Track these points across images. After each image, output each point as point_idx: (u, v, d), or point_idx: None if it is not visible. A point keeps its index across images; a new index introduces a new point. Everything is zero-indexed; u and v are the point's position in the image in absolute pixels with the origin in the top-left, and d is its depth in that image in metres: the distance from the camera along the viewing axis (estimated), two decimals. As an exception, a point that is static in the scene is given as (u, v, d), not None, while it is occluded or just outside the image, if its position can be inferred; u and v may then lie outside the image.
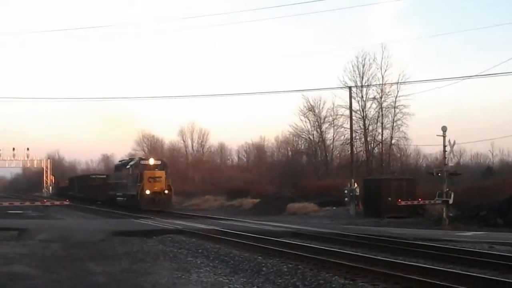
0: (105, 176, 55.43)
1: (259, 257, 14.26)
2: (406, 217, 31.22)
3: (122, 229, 21.91)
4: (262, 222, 28.27)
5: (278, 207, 39.92)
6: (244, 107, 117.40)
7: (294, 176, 53.74)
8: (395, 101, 49.38)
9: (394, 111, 49.67)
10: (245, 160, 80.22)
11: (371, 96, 50.64)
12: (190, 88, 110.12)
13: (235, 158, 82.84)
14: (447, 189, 27.43)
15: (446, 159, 28.08)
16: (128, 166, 42.13)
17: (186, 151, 79.77)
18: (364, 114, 50.68)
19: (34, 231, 20.47)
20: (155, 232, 21.23)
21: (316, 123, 56.89)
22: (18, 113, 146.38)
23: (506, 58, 73.83)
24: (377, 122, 50.64)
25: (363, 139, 51.02)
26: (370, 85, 49.65)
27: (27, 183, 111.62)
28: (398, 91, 48.88)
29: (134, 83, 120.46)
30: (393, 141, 50.59)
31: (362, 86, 49.96)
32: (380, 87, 49.57)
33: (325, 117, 56.25)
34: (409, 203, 31.81)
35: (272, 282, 11.34)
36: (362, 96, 50.56)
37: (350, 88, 43.35)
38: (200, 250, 16.18)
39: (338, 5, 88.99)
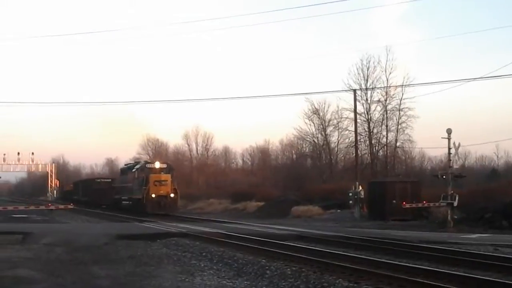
0: (110, 180, 55.47)
1: (263, 260, 14.24)
2: (410, 220, 31.18)
3: (126, 232, 21.94)
4: (266, 225, 28.25)
5: (283, 210, 39.88)
6: (249, 111, 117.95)
7: (298, 179, 53.70)
8: (400, 104, 49.48)
9: (399, 113, 49.75)
10: (249, 163, 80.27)
11: (376, 98, 50.73)
12: (195, 92, 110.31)
13: (240, 162, 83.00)
14: (452, 192, 27.37)
15: (451, 161, 28.01)
16: (133, 170, 42.11)
17: (190, 154, 79.92)
18: (369, 117, 50.74)
19: (38, 235, 20.52)
20: (159, 235, 21.23)
21: (321, 126, 56.96)
22: (23, 118, 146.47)
23: (510, 60, 73.71)
24: (381, 124, 50.68)
25: (367, 141, 51.01)
26: (375, 87, 49.76)
27: (31, 187, 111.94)
28: (402, 94, 48.99)
29: (139, 87, 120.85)
30: (397, 144, 50.65)
31: (366, 88, 50.01)
32: (385, 89, 49.68)
33: (329, 120, 56.34)
34: (413, 205, 31.74)
35: (276, 285, 11.33)
36: (366, 99, 50.65)
37: (354, 91, 43.36)
38: (204, 253, 16.18)
39: (342, 8, 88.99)
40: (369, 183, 37.06)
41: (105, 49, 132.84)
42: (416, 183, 35.52)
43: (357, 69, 50.39)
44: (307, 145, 61.24)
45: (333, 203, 40.24)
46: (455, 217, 27.77)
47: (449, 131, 27.58)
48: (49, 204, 40.73)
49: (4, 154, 78.16)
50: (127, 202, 42.32)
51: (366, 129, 50.76)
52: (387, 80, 49.58)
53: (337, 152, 57.14)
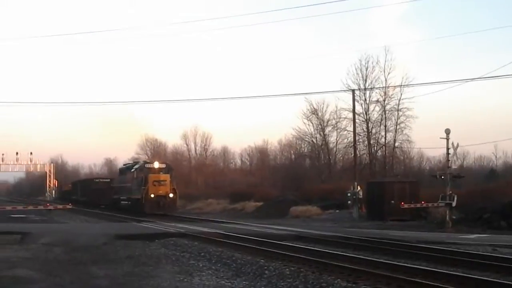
0: (108, 180, 55.41)
1: (262, 260, 14.25)
2: (409, 220, 31.21)
3: (125, 232, 21.94)
4: (265, 225, 28.26)
5: (281, 210, 39.89)
6: (247, 111, 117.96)
7: (297, 179, 53.71)
8: (398, 104, 49.52)
9: (397, 113, 49.78)
10: (248, 163, 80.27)
11: (375, 99, 50.75)
12: (193, 92, 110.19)
13: (238, 162, 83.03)
14: (451, 192, 27.40)
15: (450, 161, 28.03)
16: (132, 170, 42.04)
17: (189, 154, 79.90)
18: (367, 117, 50.77)
19: (37, 235, 20.50)
20: (158, 235, 21.21)
21: (319, 126, 56.97)
22: (22, 118, 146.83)
23: (509, 61, 73.78)
24: (380, 125, 50.71)
25: (366, 142, 51.02)
26: (373, 88, 49.79)
27: (30, 187, 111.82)
28: (401, 94, 49.02)
29: (138, 87, 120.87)
30: (396, 144, 50.67)
31: (365, 89, 50.04)
32: (383, 90, 49.69)
33: (328, 120, 56.34)
34: (412, 206, 31.77)
35: (275, 285, 11.33)
36: (365, 99, 50.68)
37: (353, 91, 43.40)
38: (202, 254, 16.18)
39: (341, 8, 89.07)
40: (368, 183, 37.09)
41: (104, 49, 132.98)
42: (414, 183, 35.54)
43: (355, 69, 50.49)
44: (305, 145, 61.33)
45: (331, 203, 40.25)
46: (454, 217, 27.79)
47: (447, 131, 27.62)
48: (48, 204, 40.72)
49: (3, 154, 78.22)
50: (126, 202, 42.27)
51: (365, 129, 50.82)
52: (386, 80, 49.70)
53: (335, 152, 57.20)
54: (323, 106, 56.12)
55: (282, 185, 55.10)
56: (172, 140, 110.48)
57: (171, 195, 37.92)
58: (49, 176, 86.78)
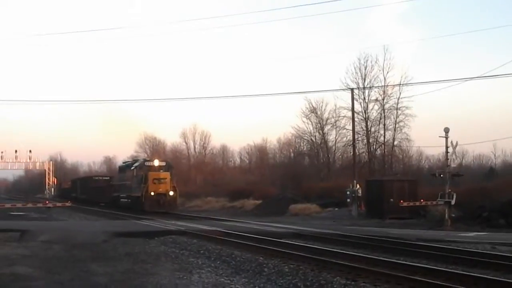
0: (108, 178, 55.42)
1: (261, 258, 14.26)
2: (408, 218, 31.24)
3: (124, 230, 21.93)
4: (264, 223, 28.27)
5: (280, 208, 39.92)
6: (246, 109, 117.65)
7: (296, 177, 53.74)
8: (397, 103, 49.49)
9: (396, 112, 49.75)
10: (247, 161, 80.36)
11: (373, 97, 50.72)
12: (192, 90, 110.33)
13: (237, 160, 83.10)
14: (449, 190, 27.42)
15: (448, 160, 28.05)
16: (132, 168, 41.96)
17: (188, 153, 79.87)
18: (366, 116, 50.73)
19: (36, 232, 20.49)
20: (157, 233, 21.22)
21: (318, 124, 56.96)
22: (21, 116, 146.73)
23: (508, 60, 73.78)
24: (379, 123, 50.68)
25: (365, 140, 51.03)
26: (372, 86, 49.76)
27: (29, 185, 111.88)
28: (400, 93, 49.00)
29: (137, 85, 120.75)
30: (395, 143, 50.64)
31: (364, 87, 50.01)
32: (382, 88, 49.63)
33: (327, 119, 56.34)
34: (411, 204, 31.82)
35: (274, 282, 11.33)
36: (364, 98, 50.65)
37: (352, 90, 43.49)
38: (201, 251, 16.18)
39: (340, 7, 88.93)
40: (367, 181, 37.11)
41: (103, 47, 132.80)
42: (413, 181, 35.59)
43: (354, 68, 50.43)
44: (304, 143, 61.35)
45: (330, 202, 40.27)
46: (453, 215, 27.83)
47: (446, 130, 27.62)
48: (47, 202, 40.66)
49: (2, 152, 78.12)
50: (126, 200, 42.17)
51: (364, 128, 50.79)
52: (385, 79, 49.66)
53: (334, 151, 57.20)
54: (322, 105, 56.20)
55: (281, 183, 55.14)
56: (171, 138, 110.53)
57: (171, 193, 37.87)
58: (48, 174, 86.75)
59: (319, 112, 56.55)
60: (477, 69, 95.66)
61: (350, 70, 50.71)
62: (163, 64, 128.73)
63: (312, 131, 57.62)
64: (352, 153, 41.90)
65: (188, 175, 69.34)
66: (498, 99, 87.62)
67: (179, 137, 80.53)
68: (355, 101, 43.13)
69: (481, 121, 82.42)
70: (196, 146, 79.82)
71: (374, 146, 51.51)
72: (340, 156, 57.20)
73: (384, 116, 50.19)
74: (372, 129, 50.97)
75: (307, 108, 56.58)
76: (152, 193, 37.21)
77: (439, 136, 28.08)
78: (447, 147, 27.70)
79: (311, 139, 58.32)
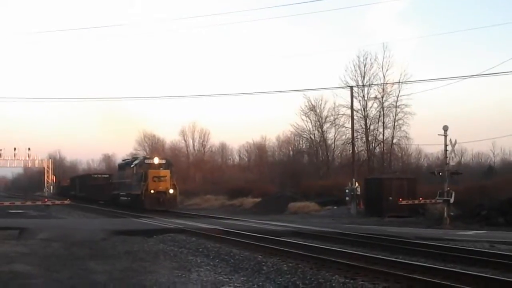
0: (107, 176, 55.29)
1: (260, 256, 14.27)
2: (407, 217, 31.23)
3: (123, 228, 21.92)
4: (263, 221, 28.27)
5: (279, 206, 39.90)
6: (246, 107, 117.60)
7: (295, 175, 53.72)
8: (397, 101, 49.42)
9: (396, 110, 49.69)
10: (246, 159, 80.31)
11: (373, 95, 50.66)
12: (192, 88, 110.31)
13: (236, 158, 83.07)
14: (448, 189, 27.42)
15: (447, 158, 28.06)
16: (132, 165, 41.81)
17: (187, 150, 79.89)
18: (366, 114, 50.68)
19: (35, 230, 20.48)
20: (156, 231, 21.23)
21: (318, 122, 56.91)
22: (20, 113, 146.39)
23: (507, 58, 73.84)
24: (378, 121, 50.65)
25: (364, 138, 51.00)
26: (372, 84, 49.66)
27: (28, 183, 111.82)
28: (399, 91, 48.91)
29: (136, 83, 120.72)
30: (394, 141, 50.59)
31: (363, 85, 49.95)
32: (382, 86, 49.57)
33: (326, 117, 56.28)
34: (410, 202, 31.83)
35: (273, 280, 11.34)
36: (363, 96, 50.58)
37: (351, 87, 43.42)
38: (200, 249, 16.19)
39: (340, 5, 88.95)
40: (366, 179, 37.10)
41: (102, 45, 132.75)
42: (412, 180, 35.58)
43: (354, 66, 50.36)
44: (303, 141, 61.27)
45: (329, 200, 40.24)
46: (451, 214, 27.83)
47: (445, 128, 27.62)
48: (46, 200, 40.65)
49: (1, 150, 78.19)
50: (125, 198, 42.06)
51: (363, 126, 50.75)
52: (384, 77, 49.58)
53: (333, 149, 57.14)
54: (321, 103, 56.11)
55: (280, 181, 55.14)
56: (170, 136, 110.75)
57: (171, 191, 37.77)
58: (47, 171, 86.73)
59: (318, 110, 56.55)
60: (476, 67, 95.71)
61: (350, 68, 50.70)
62: (162, 62, 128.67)
63: (311, 129, 57.64)
64: (351, 151, 41.88)
65: (187, 173, 69.32)
66: (497, 97, 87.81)
67: (178, 135, 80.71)
68: (354, 99, 43.06)
69: (480, 119, 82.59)
70: (195, 144, 79.97)
71: (373, 144, 51.51)
72: (339, 154, 57.20)
73: (383, 114, 50.20)
74: (371, 127, 50.99)
75: (306, 106, 56.60)
76: (152, 191, 37.11)
77: (438, 134, 28.11)
78: (446, 145, 27.70)
79: (310, 137, 58.32)
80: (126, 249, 16.13)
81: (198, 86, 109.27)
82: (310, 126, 57.50)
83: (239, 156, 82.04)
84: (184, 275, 11.70)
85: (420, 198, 32.01)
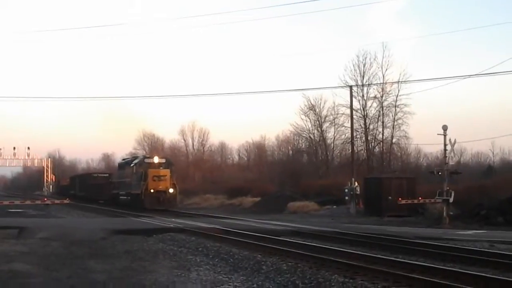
0: (107, 175, 55.23)
1: (259, 256, 14.28)
2: (406, 216, 31.21)
3: (123, 227, 21.92)
4: (263, 220, 28.27)
5: (279, 205, 39.90)
6: (245, 106, 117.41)
7: (294, 175, 53.70)
8: (396, 100, 49.40)
9: (395, 110, 49.68)
10: (245, 159, 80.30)
11: (372, 95, 50.64)
12: (191, 87, 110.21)
13: (236, 157, 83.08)
14: (448, 188, 27.41)
15: (447, 158, 28.05)
16: (132, 165, 41.73)
17: (186, 150, 79.90)
18: (365, 113, 50.67)
19: (34, 229, 20.49)
20: (155, 230, 21.22)
21: (317, 122, 56.89)
22: (19, 112, 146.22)
23: (507, 57, 73.87)
24: (377, 121, 50.63)
25: (363, 138, 50.98)
26: (371, 84, 49.62)
27: (27, 182, 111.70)
28: (398, 90, 48.89)
29: (135, 83, 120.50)
30: (393, 140, 50.58)
31: (363, 85, 49.90)
32: (381, 86, 49.57)
33: (325, 116, 56.24)
34: (409, 202, 31.83)
35: (272, 280, 11.33)
36: (363, 95, 50.56)
37: (351, 87, 43.40)
38: (200, 249, 16.19)
39: (339, 4, 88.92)
40: (365, 179, 37.11)
41: (101, 44, 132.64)
42: (412, 179, 35.58)
43: (353, 66, 50.33)
44: (303, 141, 61.27)
45: (329, 199, 40.25)
46: (451, 213, 27.82)
47: (445, 128, 27.61)
48: (45, 199, 40.64)
49: (0, 149, 77.97)
50: (125, 197, 42.00)
51: (362, 126, 50.73)
52: (383, 76, 49.56)
53: (333, 148, 57.12)
54: (320, 102, 56.07)
55: (280, 180, 55.12)
56: (169, 135, 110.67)
57: (171, 190, 37.71)
58: (47, 171, 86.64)
59: (317, 110, 56.49)
60: (476, 66, 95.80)
61: (349, 67, 50.67)
62: (162, 61, 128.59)
63: (311, 128, 57.61)
64: (350, 151, 41.89)
65: (187, 172, 69.30)
66: (496, 96, 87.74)
67: (178, 134, 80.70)
68: (353, 99, 43.06)
69: (480, 118, 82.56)
70: (195, 143, 80.00)
71: (373, 144, 51.51)
72: (339, 154, 57.17)
73: (383, 113, 50.18)
74: (371, 127, 50.97)
75: (305, 106, 56.56)
76: (152, 190, 37.06)
77: (438, 134, 28.10)
78: (445, 145, 27.69)
79: (310, 136, 58.30)
80: (125, 248, 16.13)
81: (198, 86, 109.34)
82: (310, 126, 57.54)
83: (239, 155, 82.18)
84: (183, 275, 11.70)
85: (420, 198, 32.01)
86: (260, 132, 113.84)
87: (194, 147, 79.96)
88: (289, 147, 67.57)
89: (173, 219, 28.18)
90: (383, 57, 49.42)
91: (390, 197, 32.56)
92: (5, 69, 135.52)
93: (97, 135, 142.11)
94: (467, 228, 24.77)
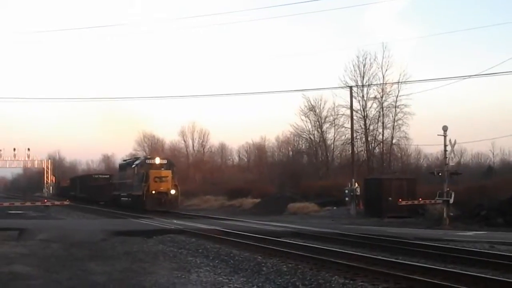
0: (108, 176, 55.10)
1: (259, 257, 14.26)
2: (406, 217, 31.22)
3: (123, 229, 21.91)
4: (263, 222, 28.26)
5: (279, 207, 39.88)
6: (245, 107, 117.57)
7: (294, 176, 53.68)
8: (396, 101, 49.37)
9: (395, 110, 49.65)
10: (245, 160, 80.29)
11: (372, 95, 50.61)
12: (191, 88, 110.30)
13: (236, 158, 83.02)
14: (448, 189, 27.40)
15: (447, 158, 28.04)
16: (133, 166, 41.51)
17: (186, 151, 79.86)
18: (365, 114, 50.64)
19: (34, 231, 20.47)
20: (155, 232, 21.22)
21: (317, 123, 56.88)
22: (19, 113, 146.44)
23: (506, 57, 73.80)
24: (378, 121, 50.61)
25: (363, 139, 50.95)
26: (371, 84, 49.60)
27: (28, 183, 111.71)
28: (399, 91, 48.87)
29: (135, 83, 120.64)
30: (394, 141, 50.54)
31: (363, 85, 49.88)
32: (381, 86, 49.54)
33: (325, 117, 56.24)
34: (409, 203, 31.80)
35: (272, 281, 11.33)
36: (363, 96, 50.52)
37: (351, 87, 43.39)
38: (200, 250, 16.18)
39: (339, 4, 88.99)
40: (365, 180, 37.08)
41: (101, 45, 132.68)
42: (412, 180, 35.56)
43: (353, 66, 50.30)
44: (303, 142, 61.27)
45: (329, 200, 40.23)
46: (451, 214, 27.82)
47: (445, 129, 27.61)
48: (45, 200, 40.66)
49: (0, 150, 78.03)
50: (126, 199, 41.73)
51: (362, 126, 50.71)
52: (384, 77, 49.54)
53: (333, 149, 57.09)
54: (320, 103, 56.07)
55: (280, 181, 55.09)
56: (169, 136, 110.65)
57: (172, 191, 37.49)
58: (47, 172, 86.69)
59: (317, 110, 56.50)
60: (476, 67, 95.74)
61: (349, 68, 50.64)
62: (162, 62, 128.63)
63: (311, 129, 57.60)
64: (350, 152, 41.88)
65: (187, 174, 69.21)
66: (496, 97, 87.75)
67: (178, 135, 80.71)
68: (353, 99, 43.08)
69: (480, 119, 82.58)
70: (195, 144, 79.98)
71: (373, 144, 51.48)
72: (339, 155, 57.16)
73: (383, 114, 50.16)
74: (371, 127, 50.94)
75: (305, 106, 56.56)
76: (153, 192, 36.88)
77: (438, 135, 28.10)
78: (445, 146, 27.69)
79: (310, 137, 58.29)
80: (125, 250, 16.12)
81: (198, 86, 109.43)
82: (310, 127, 57.54)
83: (239, 156, 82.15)
84: (183, 276, 11.69)
85: (420, 199, 32.00)
86: (260, 133, 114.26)
87: (194, 148, 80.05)
88: (289, 148, 67.62)
89: (173, 221, 28.17)
90: (383, 58, 49.46)
91: (390, 198, 32.55)
92: (5, 69, 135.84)
93: (97, 136, 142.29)
94: (467, 229, 24.76)
